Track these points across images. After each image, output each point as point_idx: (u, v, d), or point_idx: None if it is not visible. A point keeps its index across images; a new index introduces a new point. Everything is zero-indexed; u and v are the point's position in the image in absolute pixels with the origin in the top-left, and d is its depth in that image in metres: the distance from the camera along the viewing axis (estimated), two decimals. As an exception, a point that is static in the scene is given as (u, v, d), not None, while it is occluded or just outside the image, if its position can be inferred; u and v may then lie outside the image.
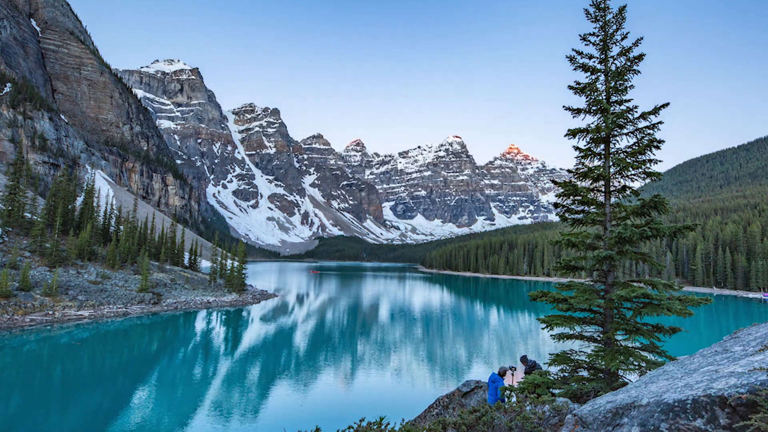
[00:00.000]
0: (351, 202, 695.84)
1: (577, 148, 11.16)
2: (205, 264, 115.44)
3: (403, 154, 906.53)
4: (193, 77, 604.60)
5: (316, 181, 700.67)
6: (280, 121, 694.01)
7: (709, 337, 40.15)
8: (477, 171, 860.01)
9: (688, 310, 9.28)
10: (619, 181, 10.99)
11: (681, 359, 5.77)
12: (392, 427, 7.12)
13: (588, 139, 10.97)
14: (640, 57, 10.59)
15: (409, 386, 25.16)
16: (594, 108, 10.96)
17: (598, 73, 11.16)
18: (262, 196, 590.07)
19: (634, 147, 10.72)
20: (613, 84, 10.92)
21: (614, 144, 10.94)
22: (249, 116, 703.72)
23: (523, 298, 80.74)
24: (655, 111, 10.36)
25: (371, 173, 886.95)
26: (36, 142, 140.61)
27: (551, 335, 11.02)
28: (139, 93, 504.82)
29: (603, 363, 9.81)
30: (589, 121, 11.36)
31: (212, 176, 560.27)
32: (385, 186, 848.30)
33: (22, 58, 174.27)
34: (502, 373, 11.39)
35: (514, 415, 6.26)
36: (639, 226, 9.85)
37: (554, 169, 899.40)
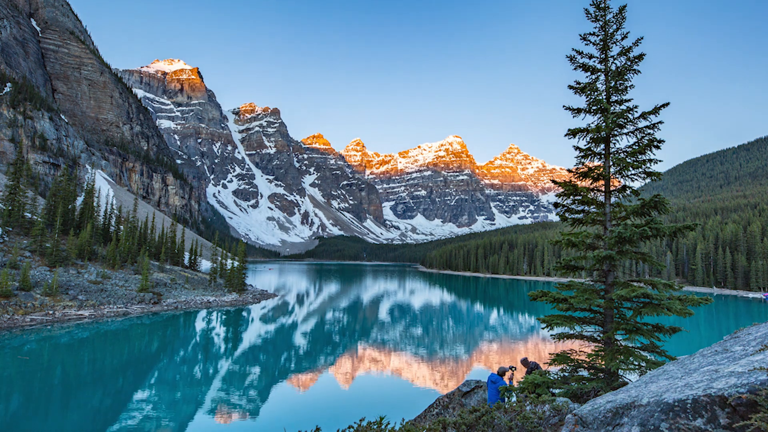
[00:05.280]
0: (351, 202, 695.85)
1: (577, 148, 11.16)
2: (205, 264, 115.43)
3: (403, 154, 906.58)
4: (193, 77, 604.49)
5: (316, 181, 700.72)
6: (280, 121, 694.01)
7: (709, 337, 40.13)
8: (477, 171, 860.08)
9: (688, 309, 9.28)
10: (619, 181, 10.99)
11: (681, 359, 5.77)
12: (392, 427, 7.11)
13: (588, 138, 10.97)
14: (640, 57, 10.58)
15: (409, 386, 25.16)
16: (594, 108, 10.95)
17: (598, 73, 11.16)
18: (262, 196, 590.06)
19: (634, 147, 10.72)
20: (613, 84, 10.92)
21: (614, 144, 10.94)
22: (249, 116, 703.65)
23: (523, 298, 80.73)
24: (655, 111, 10.36)
25: (371, 173, 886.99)
26: (36, 142, 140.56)
27: (551, 335, 11.02)
28: (139, 93, 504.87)
29: (603, 363, 9.81)
30: (589, 120, 11.37)
31: (212, 176, 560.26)
32: (385, 186, 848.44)
33: (22, 58, 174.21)
34: (501, 374, 11.25)
35: (514, 414, 6.26)
36: (639, 226, 9.85)
37: (554, 168, 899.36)
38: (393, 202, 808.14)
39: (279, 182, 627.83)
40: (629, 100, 10.93)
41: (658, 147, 10.37)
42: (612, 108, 10.90)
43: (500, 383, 10.84)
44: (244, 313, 52.43)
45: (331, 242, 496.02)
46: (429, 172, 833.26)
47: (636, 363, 9.51)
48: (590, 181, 11.16)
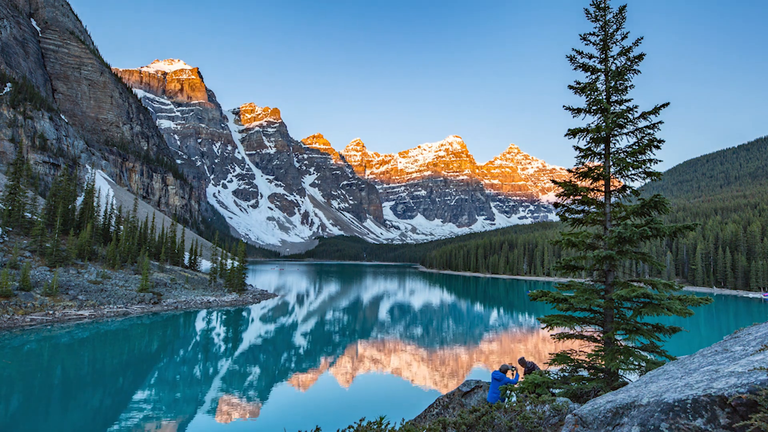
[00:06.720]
0: (351, 202, 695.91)
1: (577, 148, 11.15)
2: (205, 264, 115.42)
3: (403, 154, 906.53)
4: (193, 77, 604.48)
5: (316, 181, 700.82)
6: (280, 121, 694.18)
7: (709, 337, 40.13)
8: (477, 171, 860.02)
9: (688, 309, 9.27)
10: (619, 181, 10.99)
11: (681, 359, 5.77)
12: (392, 427, 7.11)
13: (588, 138, 10.97)
14: (640, 57, 10.57)
15: (409, 386, 25.16)
16: (594, 108, 10.95)
17: (598, 73, 11.15)
18: (262, 196, 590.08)
19: (634, 147, 10.71)
20: (613, 84, 10.92)
21: (614, 144, 10.93)
22: (249, 116, 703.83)
23: (523, 298, 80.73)
24: (655, 111, 10.35)
25: (371, 173, 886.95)
26: (36, 142, 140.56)
27: (551, 335, 11.02)
28: (139, 93, 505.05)
29: (603, 363, 9.81)
30: (589, 120, 11.36)
31: (212, 176, 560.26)
32: (385, 186, 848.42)
33: (22, 58, 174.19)
34: (504, 371, 11.21)
35: (514, 414, 6.26)
36: (639, 226, 9.84)
37: (554, 168, 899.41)
38: (393, 202, 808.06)
39: (279, 182, 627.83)
40: (629, 100, 10.92)
41: (658, 147, 10.37)
42: (612, 108, 10.90)
43: (504, 381, 10.83)
44: (244, 313, 52.43)
45: (331, 242, 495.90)
46: (429, 172, 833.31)
47: (636, 363, 9.51)
48: (590, 181, 11.15)
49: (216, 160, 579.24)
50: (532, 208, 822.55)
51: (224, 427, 18.49)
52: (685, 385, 3.54)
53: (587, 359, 10.22)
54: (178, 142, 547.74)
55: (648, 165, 10.46)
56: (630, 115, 10.56)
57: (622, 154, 10.87)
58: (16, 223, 54.21)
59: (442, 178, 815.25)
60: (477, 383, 13.29)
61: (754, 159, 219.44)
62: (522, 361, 12.73)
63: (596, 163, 11.15)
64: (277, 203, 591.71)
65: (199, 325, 44.05)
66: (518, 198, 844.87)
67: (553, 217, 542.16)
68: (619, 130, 10.86)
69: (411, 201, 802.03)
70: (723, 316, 59.20)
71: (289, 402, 22.22)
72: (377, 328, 45.19)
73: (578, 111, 11.14)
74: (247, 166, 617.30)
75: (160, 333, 38.34)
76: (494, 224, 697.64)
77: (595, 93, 10.94)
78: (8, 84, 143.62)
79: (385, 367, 29.57)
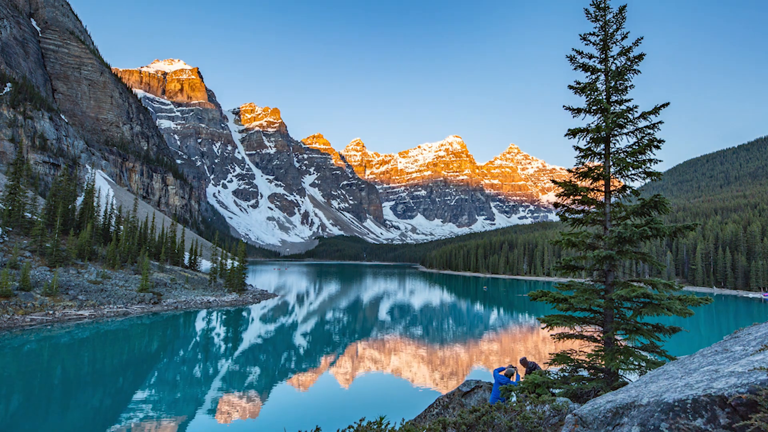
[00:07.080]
0: (351, 202, 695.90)
1: (577, 148, 11.15)
2: (205, 264, 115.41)
3: (403, 154, 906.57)
4: (193, 77, 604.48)
5: (316, 181, 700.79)
6: (280, 121, 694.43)
7: (709, 337, 40.14)
8: (477, 171, 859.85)
9: (688, 309, 9.27)
10: (619, 181, 10.98)
11: (681, 359, 5.77)
12: (392, 427, 7.11)
13: (588, 138, 10.96)
14: (640, 57, 10.57)
15: (409, 386, 25.16)
16: (594, 108, 10.94)
17: (598, 73, 11.14)
18: (262, 196, 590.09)
19: (634, 147, 10.71)
20: (613, 84, 10.91)
21: (614, 144, 10.93)
22: (249, 116, 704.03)
23: (523, 297, 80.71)
24: (655, 111, 10.35)
25: (371, 173, 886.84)
26: (36, 142, 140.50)
27: (551, 335, 11.02)
28: (139, 93, 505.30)
29: (603, 363, 9.81)
30: (589, 120, 11.36)
31: (212, 176, 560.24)
32: (385, 186, 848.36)
33: (22, 58, 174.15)
34: (509, 375, 11.03)
35: (514, 414, 6.25)
36: (639, 226, 9.84)
37: (554, 168, 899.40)
38: (393, 202, 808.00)
39: (279, 182, 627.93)
40: (629, 100, 10.92)
41: (658, 147, 10.36)
42: (612, 108, 10.89)
43: (506, 382, 10.77)
44: (244, 313, 52.43)
45: (331, 242, 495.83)
46: (429, 172, 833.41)
47: (636, 363, 9.51)
48: (590, 181, 11.15)
49: (216, 160, 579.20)
50: (532, 208, 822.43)
51: (224, 427, 18.48)
52: (685, 385, 3.54)
53: (587, 359, 10.22)
54: (178, 142, 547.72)
55: (648, 165, 10.46)
56: (630, 115, 10.56)
57: (622, 154, 10.87)
58: (16, 223, 54.20)
59: (442, 178, 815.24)
60: (477, 383, 13.28)
61: (754, 159, 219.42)
62: (524, 361, 12.73)
63: (596, 163, 11.15)
64: (277, 203, 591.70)
65: (199, 325, 44.04)
66: (518, 198, 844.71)
67: (553, 217, 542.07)
68: (619, 130, 10.85)
69: (411, 201, 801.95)
70: (723, 316, 59.19)
71: (289, 402, 22.22)
72: (377, 328, 45.19)
73: (578, 111, 11.14)
74: (247, 166, 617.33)
75: (160, 333, 38.33)
76: (494, 224, 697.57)
77: (595, 93, 10.94)
78: (8, 84, 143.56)
79: (385, 367, 29.57)
